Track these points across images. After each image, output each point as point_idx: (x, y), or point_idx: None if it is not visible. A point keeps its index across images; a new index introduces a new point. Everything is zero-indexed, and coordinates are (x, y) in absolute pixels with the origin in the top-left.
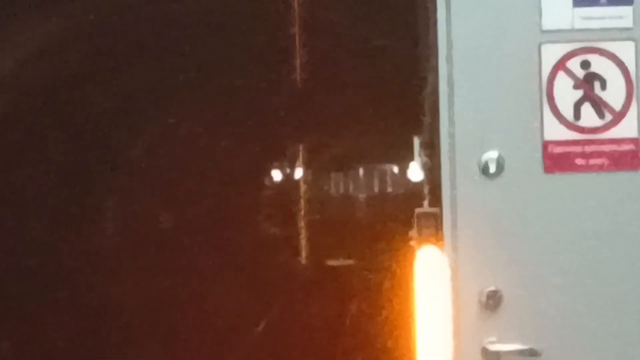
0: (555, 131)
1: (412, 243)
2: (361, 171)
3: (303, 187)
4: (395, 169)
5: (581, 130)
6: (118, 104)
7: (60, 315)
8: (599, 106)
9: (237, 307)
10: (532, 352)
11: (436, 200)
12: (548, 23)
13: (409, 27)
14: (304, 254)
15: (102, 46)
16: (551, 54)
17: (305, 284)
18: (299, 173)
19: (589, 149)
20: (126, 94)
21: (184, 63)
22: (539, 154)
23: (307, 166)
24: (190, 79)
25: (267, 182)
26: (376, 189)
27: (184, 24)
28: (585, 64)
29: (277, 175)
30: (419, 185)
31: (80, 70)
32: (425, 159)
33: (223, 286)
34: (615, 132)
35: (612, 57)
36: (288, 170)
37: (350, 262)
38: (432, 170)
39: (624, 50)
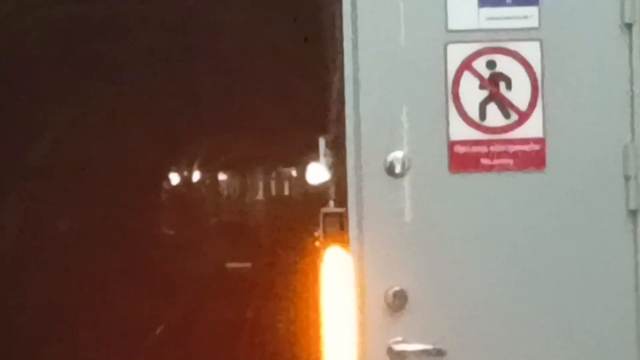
0: (460, 131)
1: (318, 243)
2: (267, 172)
3: (205, 190)
4: (301, 170)
5: (487, 130)
6: (21, 105)
7: None
8: (505, 106)
9: (139, 308)
10: (438, 352)
11: (342, 200)
12: (454, 23)
13: (314, 27)
14: (208, 256)
15: (5, 45)
16: (457, 53)
17: (207, 285)
18: (199, 175)
19: (494, 149)
20: (30, 95)
21: (91, 65)
22: (444, 154)
23: (209, 168)
24: (98, 80)
25: (168, 185)
26: (282, 190)
27: (94, 25)
28: (491, 64)
29: (178, 178)
30: (324, 185)
31: None
32: (331, 159)
33: (124, 288)
34: (520, 132)
35: (518, 57)
36: (188, 173)
37: (256, 263)
38: (338, 170)
39: (530, 50)
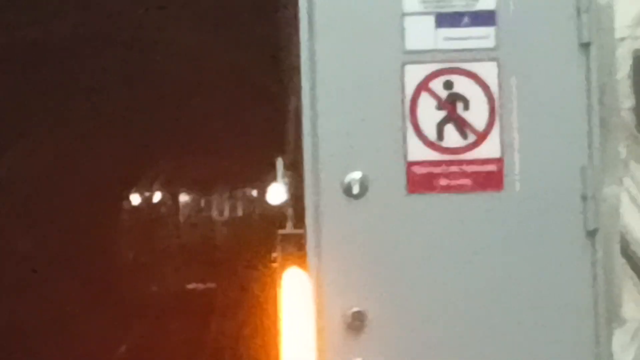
0: (418, 152)
1: (276, 264)
2: (224, 193)
3: (166, 211)
4: (260, 191)
5: (444, 150)
6: None
7: None
8: (462, 127)
9: (98, 330)
10: None
11: (300, 221)
12: (411, 43)
13: (272, 48)
14: (168, 276)
15: None
16: (414, 74)
17: (166, 307)
18: (159, 196)
19: (452, 169)
20: None
21: (42, 85)
22: (402, 175)
23: (169, 189)
24: (49, 101)
25: (127, 206)
26: (240, 211)
27: (50, 48)
28: (448, 85)
29: (137, 198)
30: (283, 206)
31: None
32: (289, 180)
33: (84, 309)
34: (478, 153)
35: (475, 77)
36: (148, 194)
37: (212, 285)
38: (296, 191)
39: (487, 70)
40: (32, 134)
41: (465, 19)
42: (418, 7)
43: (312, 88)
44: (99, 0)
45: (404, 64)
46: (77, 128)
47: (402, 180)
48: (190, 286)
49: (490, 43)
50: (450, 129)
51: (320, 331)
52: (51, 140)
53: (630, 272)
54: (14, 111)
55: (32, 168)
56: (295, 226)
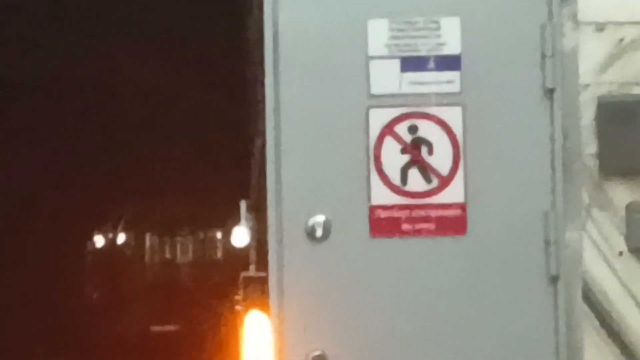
0: (382, 196)
1: (238, 307)
2: (187, 235)
3: (128, 252)
4: (223, 233)
5: (408, 194)
6: None
7: None
8: (426, 171)
9: None
10: None
11: (263, 264)
12: (376, 88)
13: (238, 89)
14: (128, 319)
15: None
16: (379, 118)
17: (129, 348)
18: (123, 238)
19: (415, 213)
20: None
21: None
22: (365, 219)
23: (132, 231)
24: (21, 143)
25: (91, 247)
26: (202, 254)
27: (18, 86)
28: (412, 129)
29: (101, 239)
30: (246, 249)
31: None
32: (252, 223)
33: (47, 350)
34: (441, 197)
35: (440, 121)
36: (112, 235)
37: (176, 327)
38: (260, 234)
39: (451, 115)
40: None
41: (431, 64)
42: (383, 51)
43: (277, 130)
44: (61, 41)
45: (369, 108)
46: (40, 169)
47: (365, 224)
48: (154, 329)
49: (455, 88)
50: (414, 173)
51: None
52: (14, 182)
53: (592, 318)
54: None
55: None
56: (258, 269)
